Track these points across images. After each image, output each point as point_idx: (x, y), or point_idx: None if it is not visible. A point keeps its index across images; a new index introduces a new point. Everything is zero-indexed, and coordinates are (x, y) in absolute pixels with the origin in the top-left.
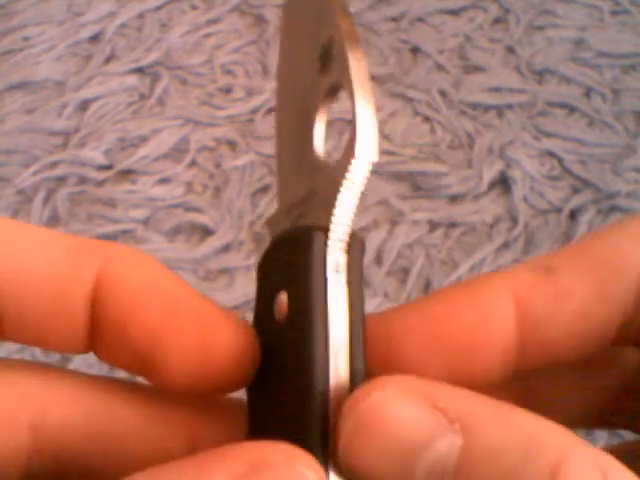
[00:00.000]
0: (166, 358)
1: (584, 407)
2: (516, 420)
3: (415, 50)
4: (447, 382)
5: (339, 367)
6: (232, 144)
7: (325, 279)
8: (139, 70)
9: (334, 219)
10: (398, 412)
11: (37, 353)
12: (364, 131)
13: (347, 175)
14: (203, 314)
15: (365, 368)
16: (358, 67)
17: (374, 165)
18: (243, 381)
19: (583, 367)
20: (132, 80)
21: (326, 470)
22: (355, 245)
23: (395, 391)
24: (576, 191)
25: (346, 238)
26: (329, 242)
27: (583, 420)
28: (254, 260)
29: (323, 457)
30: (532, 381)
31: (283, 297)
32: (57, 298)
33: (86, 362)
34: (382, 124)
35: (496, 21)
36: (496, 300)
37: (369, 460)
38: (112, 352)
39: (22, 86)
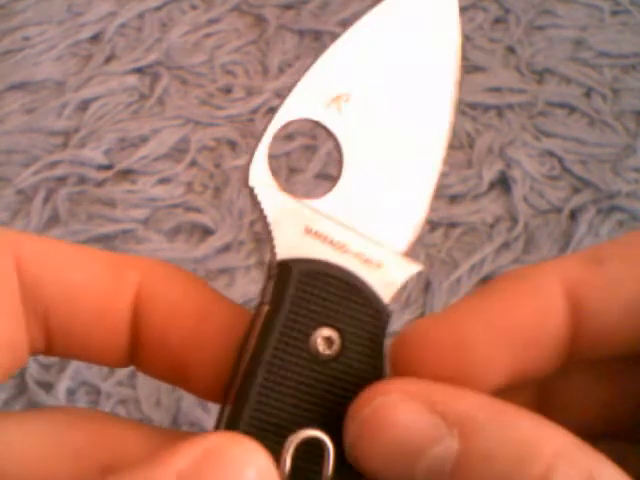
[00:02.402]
0: (198, 367)
1: (605, 414)
2: (512, 424)
3: None
4: (513, 379)
5: None
6: (232, 144)
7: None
8: (139, 70)
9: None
10: (399, 416)
11: None
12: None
13: None
14: (234, 324)
15: None
16: None
17: None
18: None
19: (611, 371)
20: (132, 80)
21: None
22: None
23: (397, 396)
24: (576, 191)
25: None
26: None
27: (604, 427)
28: (254, 260)
29: None
30: (552, 382)
31: (331, 334)
32: (101, 311)
33: (85, 363)
34: None
35: (496, 21)
36: (548, 292)
37: (372, 461)
38: (152, 363)
39: (22, 86)
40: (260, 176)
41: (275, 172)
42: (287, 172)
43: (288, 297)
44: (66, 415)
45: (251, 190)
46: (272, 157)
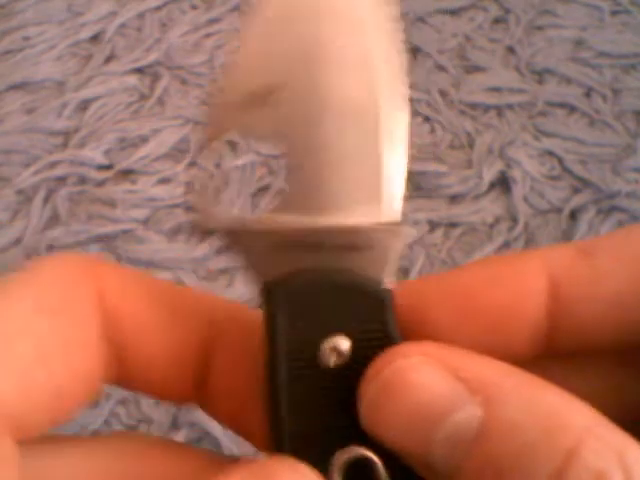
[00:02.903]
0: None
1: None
2: (539, 395)
3: (415, 50)
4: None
5: None
6: (232, 144)
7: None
8: (139, 70)
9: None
10: (420, 379)
11: None
12: None
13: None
14: None
15: None
16: None
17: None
18: None
19: (619, 365)
20: (132, 80)
21: None
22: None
23: (419, 359)
24: (576, 191)
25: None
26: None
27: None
28: None
29: None
30: (558, 370)
31: (337, 341)
32: (176, 358)
33: None
34: None
35: (496, 21)
36: (530, 276)
37: (389, 425)
38: (216, 409)
39: (22, 86)
40: (205, 217)
41: (274, 172)
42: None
43: (279, 325)
44: (136, 444)
45: (201, 230)
46: (272, 157)
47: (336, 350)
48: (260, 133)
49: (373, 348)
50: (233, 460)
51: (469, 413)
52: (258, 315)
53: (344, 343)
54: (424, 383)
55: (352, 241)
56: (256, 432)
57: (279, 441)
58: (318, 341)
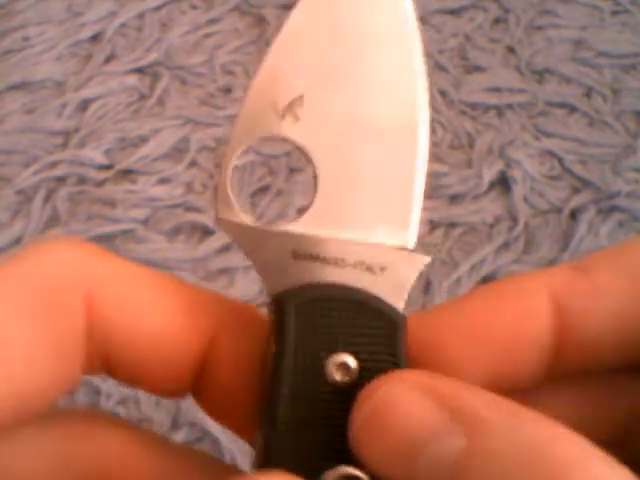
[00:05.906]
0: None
1: (589, 428)
2: (525, 426)
3: None
4: (489, 384)
5: None
6: None
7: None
8: (139, 70)
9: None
10: (404, 406)
11: None
12: None
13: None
14: None
15: None
16: None
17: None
18: None
19: (628, 381)
20: (132, 80)
21: None
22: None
23: (405, 386)
24: (576, 191)
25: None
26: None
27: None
28: None
29: None
30: (534, 395)
31: (345, 358)
32: (170, 357)
33: None
34: None
35: (496, 21)
36: (533, 296)
37: (375, 451)
38: (213, 405)
39: (22, 86)
40: (228, 210)
41: (274, 172)
42: (287, 172)
43: (289, 336)
44: (83, 424)
45: (222, 226)
46: (272, 157)
47: (343, 367)
48: (289, 142)
49: (380, 370)
50: (187, 449)
51: (450, 443)
52: (261, 315)
53: (352, 361)
54: (407, 410)
55: (372, 261)
56: (249, 430)
57: (269, 449)
58: (326, 356)
